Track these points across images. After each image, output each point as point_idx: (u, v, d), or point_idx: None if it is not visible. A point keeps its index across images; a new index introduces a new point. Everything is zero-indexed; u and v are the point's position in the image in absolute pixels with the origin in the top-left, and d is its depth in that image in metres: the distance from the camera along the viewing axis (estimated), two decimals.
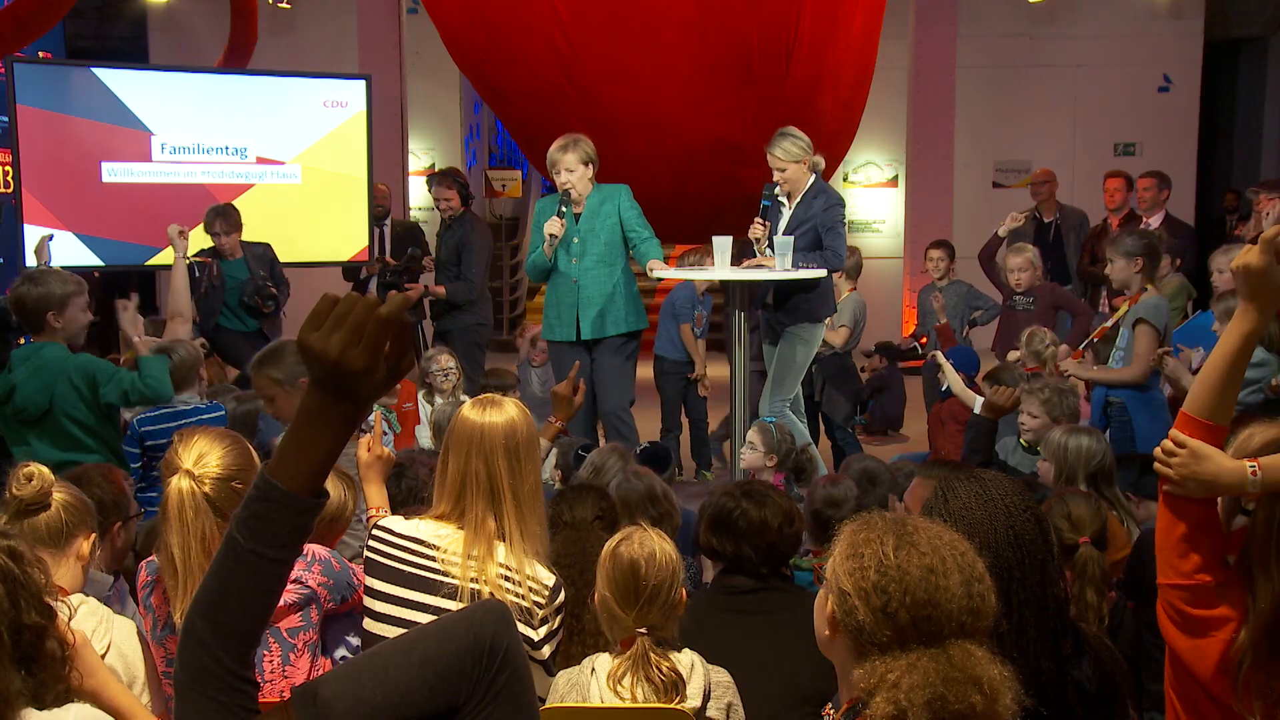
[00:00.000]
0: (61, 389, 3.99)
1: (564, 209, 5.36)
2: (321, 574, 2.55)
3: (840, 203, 5.54)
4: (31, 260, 5.39)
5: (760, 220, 5.46)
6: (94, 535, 2.41)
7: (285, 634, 2.48)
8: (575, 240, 5.39)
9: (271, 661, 2.45)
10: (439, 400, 5.50)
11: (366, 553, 2.51)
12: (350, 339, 1.32)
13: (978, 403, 4.56)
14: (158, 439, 4.27)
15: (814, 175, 5.55)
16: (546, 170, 5.67)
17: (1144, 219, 7.19)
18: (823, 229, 5.42)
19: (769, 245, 5.31)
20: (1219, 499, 1.99)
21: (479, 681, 1.60)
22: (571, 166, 5.37)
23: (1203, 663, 1.93)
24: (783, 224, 5.51)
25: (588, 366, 5.38)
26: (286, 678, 2.43)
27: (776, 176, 5.51)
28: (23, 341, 4.56)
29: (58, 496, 2.35)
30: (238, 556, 1.39)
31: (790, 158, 5.42)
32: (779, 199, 5.58)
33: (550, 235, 5.35)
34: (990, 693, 1.45)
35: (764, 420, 4.86)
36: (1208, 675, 1.93)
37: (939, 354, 5.52)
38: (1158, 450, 2.00)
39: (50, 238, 5.72)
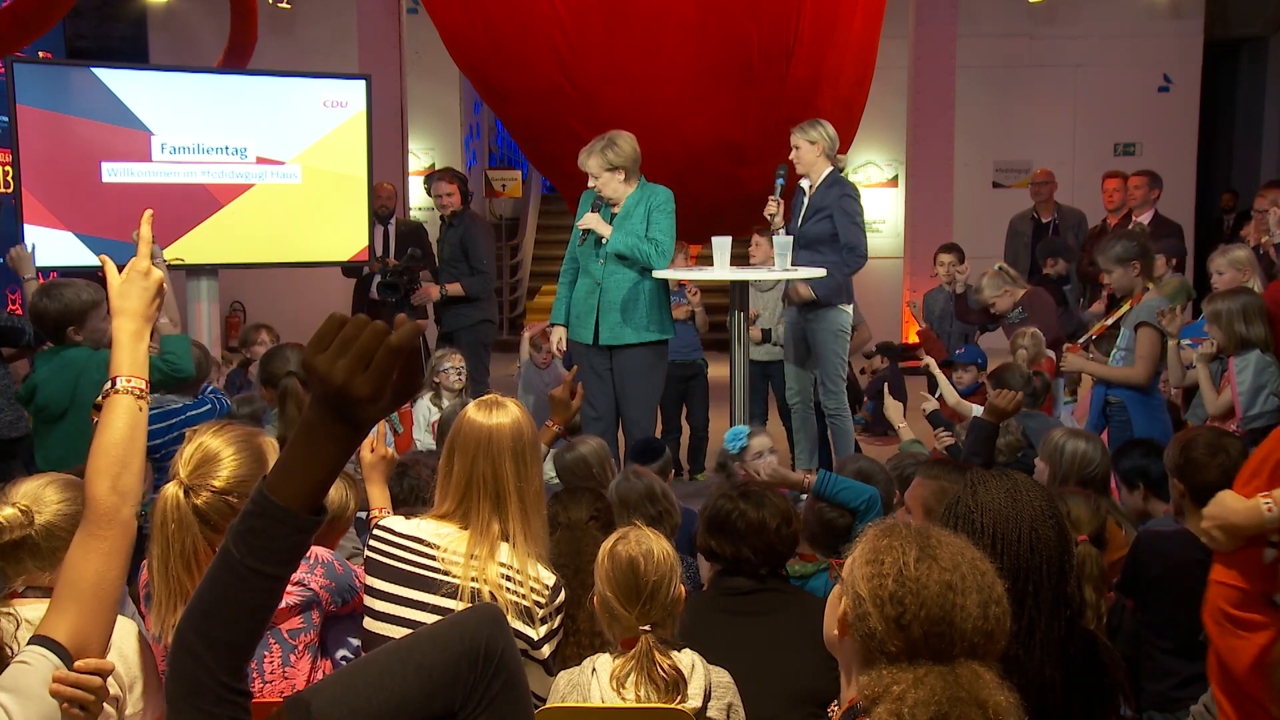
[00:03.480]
0: (84, 386, 3.96)
1: (599, 204, 5.19)
2: (324, 576, 2.55)
3: (854, 194, 5.56)
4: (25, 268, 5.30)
5: (773, 197, 5.47)
6: None
7: (286, 635, 2.47)
8: (603, 241, 5.16)
9: (272, 662, 2.44)
10: (446, 400, 5.48)
11: (367, 552, 2.51)
12: (356, 365, 1.29)
13: (975, 410, 4.57)
14: (153, 439, 4.26)
15: (831, 166, 5.57)
16: (546, 170, 5.65)
17: (1134, 216, 7.21)
18: (839, 222, 5.43)
19: (777, 230, 5.35)
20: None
21: (474, 687, 1.60)
22: (595, 173, 5.13)
23: (1239, 663, 1.94)
24: (800, 213, 5.56)
25: (607, 371, 5.29)
26: (287, 679, 2.43)
27: (791, 156, 5.55)
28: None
29: (53, 507, 2.18)
30: (232, 570, 1.36)
31: (805, 138, 5.47)
32: (799, 186, 5.60)
33: (584, 229, 5.19)
34: (994, 717, 1.44)
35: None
36: (1242, 674, 1.94)
37: (932, 362, 5.53)
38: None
39: (26, 244, 5.57)
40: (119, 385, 1.88)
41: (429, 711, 1.57)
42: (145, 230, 1.99)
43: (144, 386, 1.89)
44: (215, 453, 2.28)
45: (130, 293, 1.94)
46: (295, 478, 1.34)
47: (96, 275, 6.60)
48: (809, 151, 5.52)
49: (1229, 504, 1.97)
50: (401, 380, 1.32)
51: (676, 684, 2.27)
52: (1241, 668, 1.94)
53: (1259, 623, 1.94)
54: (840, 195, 5.50)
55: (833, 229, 5.47)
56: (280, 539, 1.35)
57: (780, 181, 5.54)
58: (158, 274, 1.97)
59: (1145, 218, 7.20)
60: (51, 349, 4.10)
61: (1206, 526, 2.00)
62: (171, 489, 2.25)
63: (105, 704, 2.14)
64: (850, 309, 5.75)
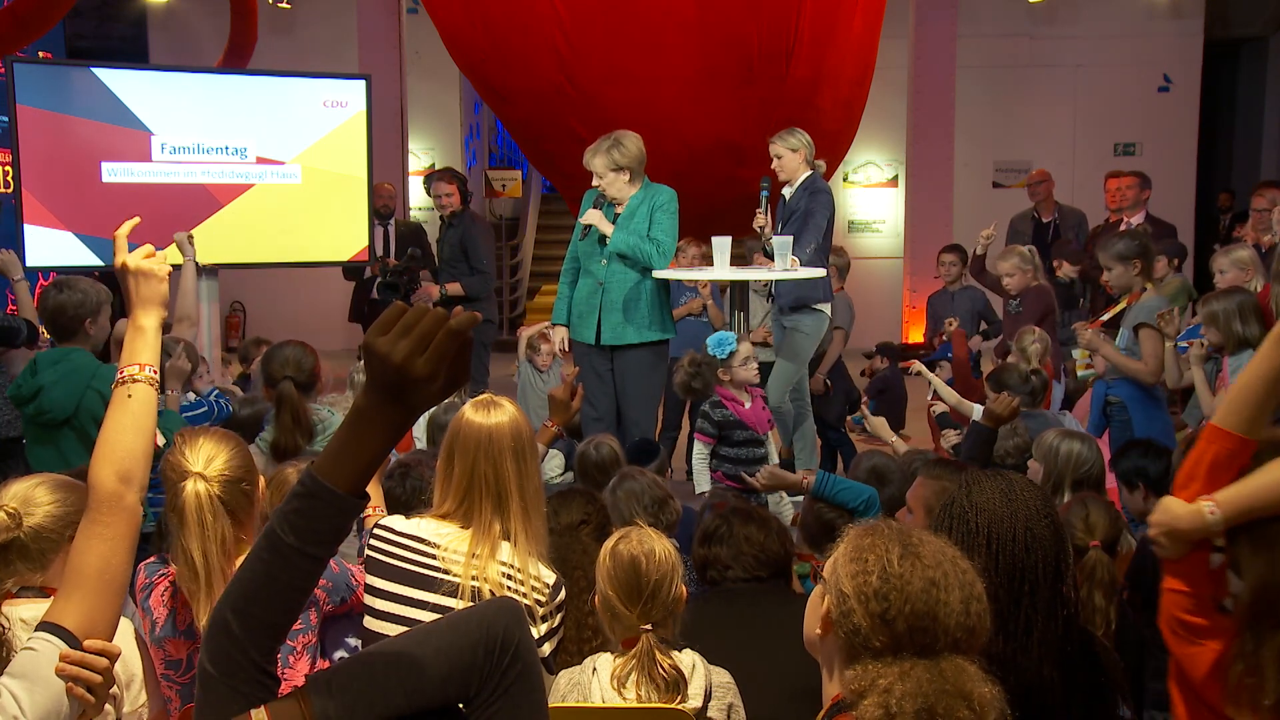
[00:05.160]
0: (89, 396, 3.97)
1: (601, 202, 5.19)
2: (321, 576, 2.55)
3: (824, 191, 5.60)
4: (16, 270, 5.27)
5: (760, 210, 5.58)
6: None
7: None
8: (605, 240, 5.14)
9: None
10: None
11: (368, 551, 2.51)
12: (417, 346, 1.35)
13: (976, 410, 4.57)
14: None
15: (811, 171, 5.60)
16: (546, 170, 5.66)
17: (1125, 218, 7.20)
18: (806, 220, 5.50)
19: (768, 241, 5.38)
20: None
21: (490, 674, 1.62)
22: (600, 173, 5.12)
23: (1197, 669, 1.94)
24: (780, 216, 5.62)
25: (608, 371, 5.29)
26: (285, 679, 2.43)
27: (773, 165, 5.62)
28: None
29: (44, 509, 2.15)
30: (276, 551, 1.42)
31: (786, 146, 5.54)
32: (782, 194, 5.65)
33: (585, 225, 5.19)
34: (979, 710, 1.46)
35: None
36: (1199, 680, 1.94)
37: (923, 367, 5.52)
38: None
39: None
40: (128, 374, 1.90)
41: (444, 695, 1.59)
42: (124, 232, 2.05)
43: (156, 376, 1.93)
44: (213, 449, 2.39)
45: (151, 283, 1.98)
46: (344, 461, 1.41)
47: (93, 275, 6.63)
48: (790, 159, 5.60)
49: (1173, 509, 1.96)
50: (453, 368, 1.38)
51: (677, 684, 2.27)
52: (1199, 674, 1.94)
53: (1212, 628, 1.95)
54: (809, 197, 5.55)
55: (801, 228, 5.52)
56: (325, 520, 1.42)
57: (765, 194, 5.62)
58: (165, 264, 2.00)
59: (1137, 219, 7.18)
60: (56, 351, 4.07)
61: (1153, 534, 2.00)
62: (198, 484, 2.33)
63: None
64: (827, 308, 5.77)
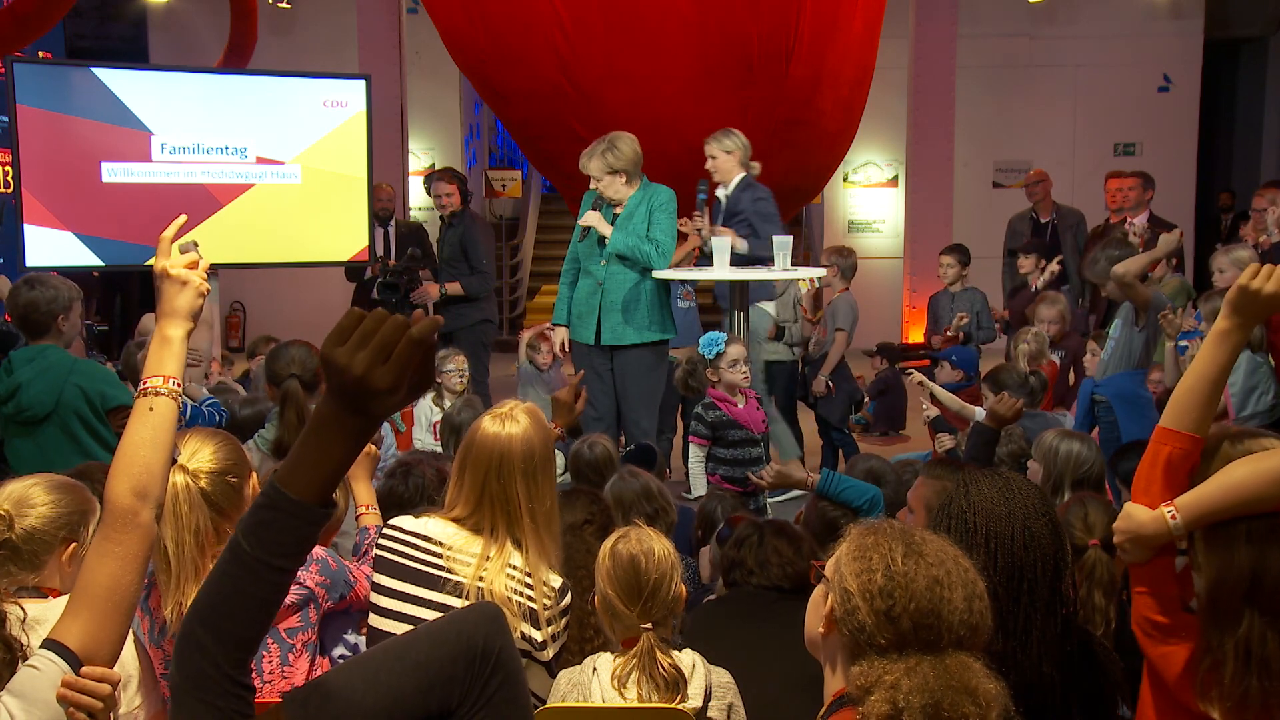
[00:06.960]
0: (69, 390, 3.99)
1: (600, 203, 5.22)
2: (319, 573, 2.55)
3: (767, 195, 5.68)
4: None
5: (697, 213, 5.66)
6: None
7: (284, 634, 2.48)
8: (605, 241, 5.16)
9: (270, 662, 2.45)
10: (449, 401, 5.46)
11: (377, 550, 2.52)
12: (376, 357, 1.30)
13: (977, 413, 4.57)
14: None
15: (743, 172, 5.65)
16: (546, 170, 5.67)
17: (1128, 218, 7.20)
18: (758, 220, 5.52)
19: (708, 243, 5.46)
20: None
21: (471, 685, 1.60)
22: (597, 176, 5.15)
23: (1171, 669, 2.00)
24: (719, 220, 5.69)
25: (608, 372, 5.29)
26: (285, 678, 2.43)
27: (707, 165, 5.69)
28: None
29: (38, 510, 2.14)
30: (241, 563, 1.38)
31: (721, 147, 5.59)
32: (716, 195, 5.72)
33: (585, 226, 5.23)
34: (984, 705, 1.48)
35: None
36: (1174, 679, 1.99)
37: (923, 376, 5.54)
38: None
39: None
40: (151, 385, 1.86)
41: (425, 708, 1.57)
42: (169, 235, 2.02)
43: (180, 389, 1.89)
44: (198, 444, 2.39)
45: (186, 293, 1.96)
46: (306, 471, 1.37)
47: (93, 274, 6.59)
48: (725, 160, 5.67)
49: (1136, 517, 2.03)
50: (417, 374, 1.33)
51: (677, 683, 2.27)
52: (1173, 673, 2.00)
53: (1179, 627, 2.01)
54: (753, 199, 5.61)
55: (748, 231, 5.55)
56: (290, 531, 1.37)
57: (702, 196, 5.68)
58: (195, 278, 1.99)
59: (1141, 219, 7.18)
60: (31, 349, 4.09)
61: (1118, 541, 2.07)
62: (176, 475, 2.31)
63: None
64: (771, 306, 5.84)
